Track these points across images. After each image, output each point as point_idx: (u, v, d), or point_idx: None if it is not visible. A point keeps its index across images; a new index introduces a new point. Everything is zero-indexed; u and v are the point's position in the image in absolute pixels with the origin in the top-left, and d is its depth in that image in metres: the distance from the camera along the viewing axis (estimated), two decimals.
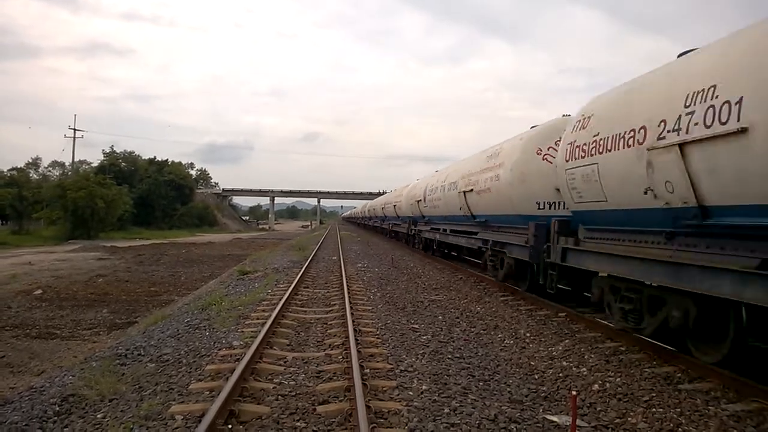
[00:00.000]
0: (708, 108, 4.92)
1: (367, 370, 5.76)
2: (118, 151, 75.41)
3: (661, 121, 5.64)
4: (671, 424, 4.62)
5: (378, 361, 6.25)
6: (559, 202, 9.79)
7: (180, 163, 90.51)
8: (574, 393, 4.55)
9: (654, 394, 5.30)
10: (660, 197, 5.80)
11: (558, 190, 9.02)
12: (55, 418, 4.84)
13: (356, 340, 6.81)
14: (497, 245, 11.98)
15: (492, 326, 8.52)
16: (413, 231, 24.28)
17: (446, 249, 20.06)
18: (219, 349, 6.84)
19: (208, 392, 5.20)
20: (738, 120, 4.57)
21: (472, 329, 8.30)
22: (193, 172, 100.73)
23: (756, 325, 5.08)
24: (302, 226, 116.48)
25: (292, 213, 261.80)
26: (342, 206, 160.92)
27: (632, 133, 6.18)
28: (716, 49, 5.41)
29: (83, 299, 16.00)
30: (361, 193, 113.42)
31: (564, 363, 6.46)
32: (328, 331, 7.88)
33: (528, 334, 7.92)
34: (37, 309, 14.37)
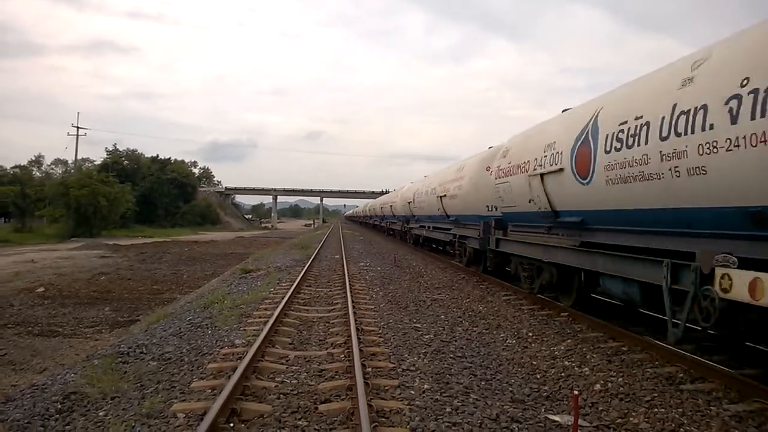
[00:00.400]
0: (552, 154, 8.63)
1: (369, 369, 5.75)
2: (121, 149, 75.66)
3: (534, 158, 9.34)
4: (673, 425, 4.61)
5: (380, 360, 6.25)
6: (495, 207, 12.49)
7: (183, 161, 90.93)
8: (576, 393, 4.54)
9: (656, 394, 5.29)
10: (535, 205, 9.48)
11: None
12: (57, 416, 4.85)
13: (358, 338, 6.81)
14: (462, 238, 15.81)
15: (494, 326, 8.51)
16: (405, 228, 28.24)
17: (430, 243, 23.41)
18: (221, 348, 6.85)
19: (210, 390, 5.20)
20: (559, 164, 8.30)
21: (475, 328, 8.30)
22: (195, 171, 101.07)
23: (589, 281, 8.82)
24: (305, 225, 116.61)
25: (294, 212, 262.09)
26: (344, 205, 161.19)
27: (525, 165, 9.78)
28: (557, 120, 9.54)
29: (85, 297, 16.04)
30: (364, 192, 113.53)
31: (566, 362, 6.45)
32: (331, 330, 7.88)
33: (530, 334, 7.91)
34: (40, 307, 14.41)
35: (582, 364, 6.38)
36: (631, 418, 4.75)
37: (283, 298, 9.79)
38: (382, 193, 76.82)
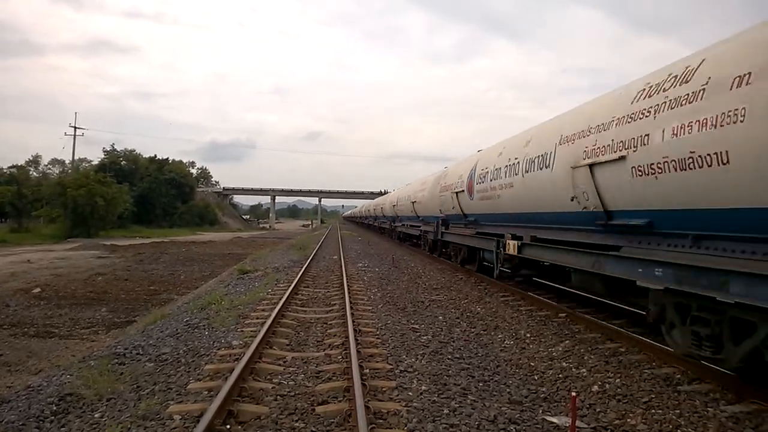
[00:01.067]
0: (460, 181, 13.90)
1: (367, 371, 5.74)
2: (119, 149, 75.49)
3: (452, 184, 14.58)
4: (670, 426, 4.61)
5: (378, 362, 6.23)
6: (441, 210, 17.06)
7: (181, 161, 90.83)
8: (573, 394, 4.53)
9: (653, 396, 5.28)
10: (447, 211, 15.47)
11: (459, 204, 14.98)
12: (53, 417, 4.82)
13: (356, 340, 6.80)
14: (425, 232, 21.38)
15: (492, 327, 8.50)
16: (392, 227, 34.61)
17: (408, 237, 28.47)
18: (218, 349, 6.83)
19: (206, 392, 5.18)
20: (462, 187, 13.73)
21: (472, 329, 8.29)
22: (193, 171, 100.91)
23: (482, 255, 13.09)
24: (303, 226, 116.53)
25: (293, 212, 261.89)
26: (343, 205, 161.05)
27: (451, 185, 14.93)
28: (466, 160, 14.32)
29: (82, 298, 15.99)
30: (362, 193, 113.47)
31: (564, 364, 6.45)
32: (328, 331, 7.86)
33: (528, 335, 7.91)
34: (36, 307, 14.36)
35: (580, 365, 6.37)
36: (628, 420, 4.75)
37: (280, 299, 9.77)
38: (380, 194, 76.86)
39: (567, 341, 7.45)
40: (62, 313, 13.75)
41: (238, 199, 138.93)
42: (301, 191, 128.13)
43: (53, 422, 4.72)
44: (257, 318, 8.64)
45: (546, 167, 8.37)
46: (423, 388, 5.38)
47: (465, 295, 11.60)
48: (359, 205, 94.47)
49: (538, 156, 8.73)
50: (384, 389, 5.27)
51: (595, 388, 5.57)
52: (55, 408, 4.99)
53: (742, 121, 4.39)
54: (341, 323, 8.15)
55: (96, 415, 4.79)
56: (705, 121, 4.79)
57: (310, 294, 11.40)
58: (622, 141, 6.21)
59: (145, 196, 68.46)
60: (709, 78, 4.87)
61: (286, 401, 4.99)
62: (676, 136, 5.17)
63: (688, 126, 5.01)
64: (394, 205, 31.07)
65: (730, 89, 4.56)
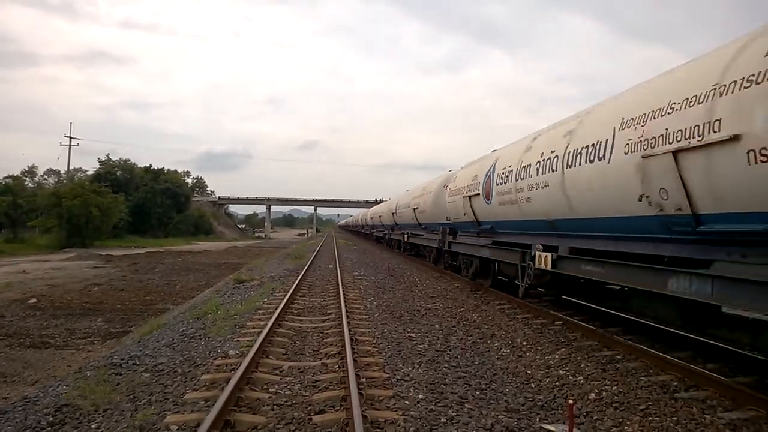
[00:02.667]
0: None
1: (364, 380, 5.74)
2: (114, 159, 75.36)
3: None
4: None
5: (374, 371, 6.23)
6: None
7: (176, 171, 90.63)
8: (570, 402, 4.54)
9: (650, 403, 5.30)
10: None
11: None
12: (49, 428, 4.80)
13: (352, 349, 6.79)
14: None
15: (488, 335, 8.51)
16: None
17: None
18: (215, 359, 6.81)
19: (203, 402, 5.17)
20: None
21: (469, 338, 8.29)
22: (189, 180, 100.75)
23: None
24: (299, 235, 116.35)
25: (288, 221, 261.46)
26: (338, 214, 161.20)
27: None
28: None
29: (78, 308, 15.90)
30: (358, 202, 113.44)
31: (561, 372, 6.46)
32: (325, 340, 7.85)
33: (524, 343, 7.91)
34: (31, 318, 14.28)
35: (576, 372, 6.39)
36: (626, 427, 4.76)
37: (276, 309, 9.75)
38: (376, 202, 76.88)
39: (564, 349, 7.46)
40: (58, 323, 13.67)
41: (233, 208, 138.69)
42: (296, 200, 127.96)
43: None
44: (253, 327, 8.62)
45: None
46: (420, 396, 5.37)
47: (461, 303, 11.60)
48: (355, 213, 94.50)
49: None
50: (381, 398, 5.27)
51: (592, 395, 5.59)
52: (51, 419, 4.97)
53: None
54: (338, 332, 8.14)
55: (93, 426, 4.77)
56: None
57: (307, 303, 11.38)
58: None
59: (141, 205, 68.26)
60: None
61: (283, 411, 4.98)
62: None
63: None
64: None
65: None
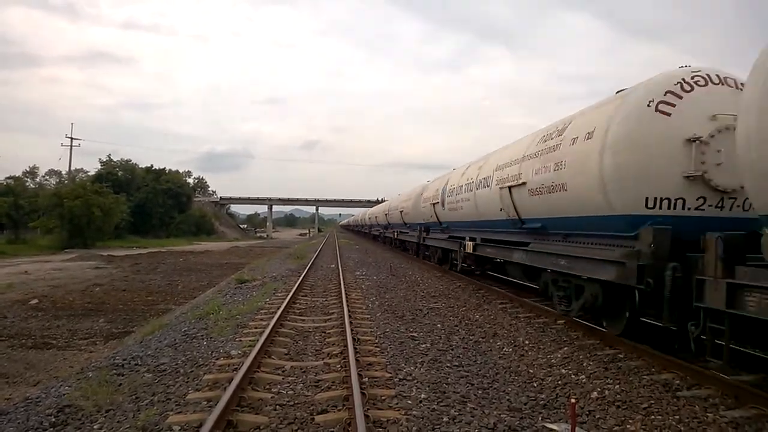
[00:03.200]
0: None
1: (366, 379, 5.74)
2: (116, 160, 75.43)
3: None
4: (670, 431, 4.62)
5: (377, 370, 6.23)
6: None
7: (177, 171, 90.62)
8: (573, 401, 4.54)
9: (653, 401, 5.29)
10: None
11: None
12: (51, 429, 4.80)
13: (355, 348, 6.79)
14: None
15: (491, 334, 8.51)
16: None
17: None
18: (217, 359, 6.82)
19: (205, 402, 5.17)
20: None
21: (471, 337, 8.29)
22: (190, 181, 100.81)
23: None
24: (300, 234, 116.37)
25: (290, 221, 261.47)
26: (340, 214, 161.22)
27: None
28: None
29: (80, 309, 15.92)
30: (359, 201, 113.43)
31: (563, 370, 6.45)
32: (327, 340, 7.86)
33: (527, 342, 7.91)
34: (33, 319, 14.29)
35: (579, 371, 6.38)
36: (628, 426, 4.75)
37: (278, 308, 9.76)
38: (377, 202, 76.86)
39: (566, 348, 7.46)
40: (60, 324, 13.69)
41: (235, 208, 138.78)
42: (298, 200, 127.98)
43: None
44: (256, 327, 8.63)
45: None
46: (422, 396, 5.37)
47: (463, 302, 11.60)
48: (356, 213, 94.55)
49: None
50: (383, 398, 5.27)
51: (595, 394, 5.58)
52: (53, 420, 4.97)
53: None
54: (340, 332, 8.15)
55: (95, 427, 4.77)
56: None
57: (309, 303, 11.39)
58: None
59: (142, 206, 68.32)
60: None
61: (286, 411, 4.98)
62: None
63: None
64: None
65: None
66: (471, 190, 13.10)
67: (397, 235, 29.47)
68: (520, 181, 9.61)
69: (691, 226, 6.00)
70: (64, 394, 5.65)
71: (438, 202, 16.97)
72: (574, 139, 7.77)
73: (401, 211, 24.85)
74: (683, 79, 6.55)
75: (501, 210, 10.67)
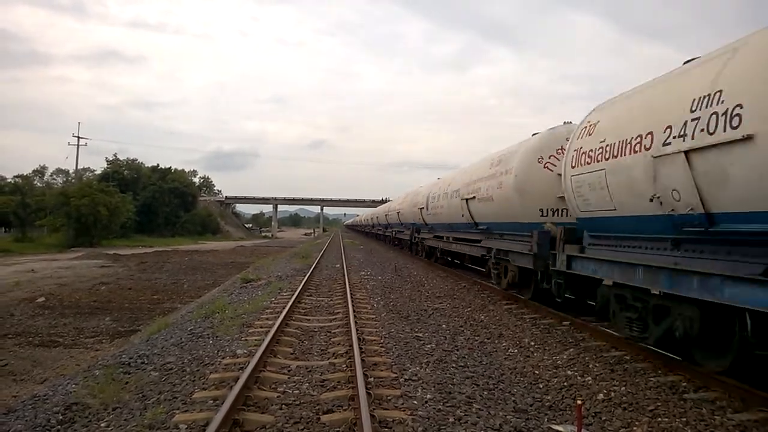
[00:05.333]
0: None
1: (371, 379, 5.74)
2: (122, 159, 75.80)
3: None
4: None
5: (382, 370, 6.23)
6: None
7: (183, 170, 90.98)
8: (579, 402, 4.53)
9: (659, 404, 5.27)
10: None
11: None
12: (59, 427, 4.84)
13: (360, 348, 6.79)
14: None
15: (496, 335, 8.50)
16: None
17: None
18: (223, 358, 6.83)
19: (212, 401, 5.18)
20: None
21: (476, 338, 8.28)
22: (196, 180, 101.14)
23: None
24: (305, 234, 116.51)
25: (294, 221, 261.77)
26: (345, 214, 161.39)
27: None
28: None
29: (86, 307, 16.01)
30: (364, 201, 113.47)
31: (569, 372, 6.44)
32: (332, 340, 7.87)
33: (532, 343, 7.90)
34: (40, 317, 14.38)
35: (585, 373, 6.36)
36: (634, 428, 4.74)
37: (284, 308, 9.77)
38: (382, 202, 76.88)
39: (571, 349, 7.44)
40: (66, 322, 13.77)
41: (240, 207, 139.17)
42: (303, 200, 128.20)
43: (60, 431, 4.73)
44: (261, 327, 8.65)
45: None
46: (428, 396, 5.37)
47: (468, 303, 11.59)
48: (361, 213, 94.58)
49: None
50: (389, 398, 5.27)
51: (601, 396, 5.57)
52: (61, 417, 5.01)
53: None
54: (345, 332, 8.15)
55: (102, 425, 4.80)
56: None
57: (314, 302, 11.40)
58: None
59: (148, 205, 68.61)
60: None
61: (292, 410, 4.99)
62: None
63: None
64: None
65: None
66: (446, 199, 16.64)
67: (395, 234, 33.86)
68: (476, 194, 13.19)
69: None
70: (71, 392, 5.69)
71: (424, 207, 19.78)
72: (503, 172, 11.42)
73: (398, 213, 27.87)
74: (584, 125, 7.97)
75: (463, 216, 14.61)
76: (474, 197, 13.42)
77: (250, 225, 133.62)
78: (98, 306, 16.25)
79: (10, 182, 65.59)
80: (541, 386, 5.94)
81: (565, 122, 10.81)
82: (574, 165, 7.86)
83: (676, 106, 5.58)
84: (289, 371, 6.28)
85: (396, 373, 6.11)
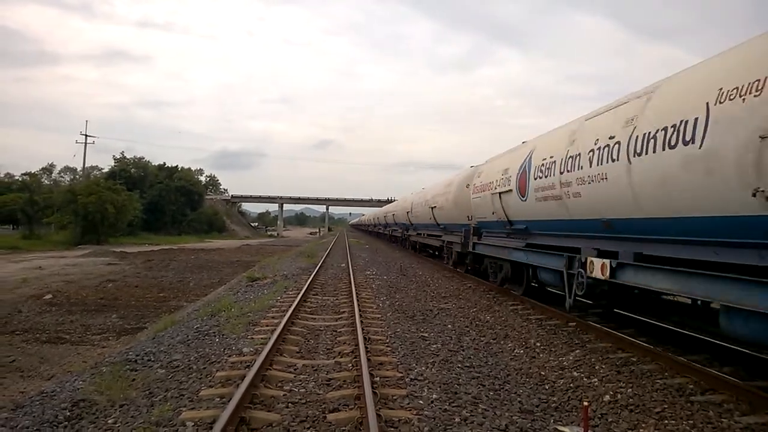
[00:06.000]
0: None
1: (377, 379, 5.75)
2: (129, 157, 76.13)
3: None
4: None
5: (388, 370, 6.23)
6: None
7: (189, 169, 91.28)
8: (585, 403, 4.52)
9: (666, 406, 5.25)
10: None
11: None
12: (66, 423, 4.86)
13: (366, 348, 6.80)
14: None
15: (502, 335, 8.48)
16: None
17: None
18: (229, 356, 6.86)
19: (218, 399, 5.21)
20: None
21: (482, 338, 8.27)
22: (202, 179, 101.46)
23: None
24: (310, 233, 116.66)
25: (300, 220, 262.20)
26: (350, 213, 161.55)
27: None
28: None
29: (93, 304, 16.10)
30: (370, 201, 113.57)
31: (575, 373, 6.42)
32: (338, 339, 7.87)
33: (538, 344, 7.88)
34: (47, 313, 14.48)
35: (591, 374, 6.35)
36: (641, 430, 4.73)
37: (290, 307, 9.80)
38: (387, 202, 76.90)
39: (577, 350, 7.42)
40: (73, 319, 13.85)
41: (246, 206, 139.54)
42: (308, 199, 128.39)
43: (67, 428, 4.76)
44: (267, 325, 8.67)
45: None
46: (434, 396, 5.37)
47: (474, 303, 11.58)
48: (366, 213, 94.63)
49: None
50: (395, 397, 5.27)
51: (607, 397, 5.55)
52: (68, 414, 5.03)
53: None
54: (351, 331, 8.16)
55: (109, 421, 4.82)
56: None
57: (319, 302, 11.42)
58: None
59: (155, 203, 68.88)
60: None
61: (298, 409, 5.00)
62: None
63: None
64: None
65: None
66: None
67: (392, 232, 38.24)
68: (436, 204, 18.65)
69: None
70: (78, 389, 5.72)
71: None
72: (448, 192, 16.80)
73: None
74: (478, 171, 14.66)
75: (430, 219, 20.93)
76: (436, 206, 20.25)
77: (256, 224, 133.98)
78: (105, 303, 16.34)
79: (18, 180, 66.03)
80: (547, 387, 5.93)
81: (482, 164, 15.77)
82: (473, 192, 14.50)
83: (499, 170, 12.21)
84: (295, 370, 6.30)
85: (402, 373, 6.11)
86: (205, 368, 6.38)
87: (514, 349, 7.63)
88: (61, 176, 78.64)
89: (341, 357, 6.83)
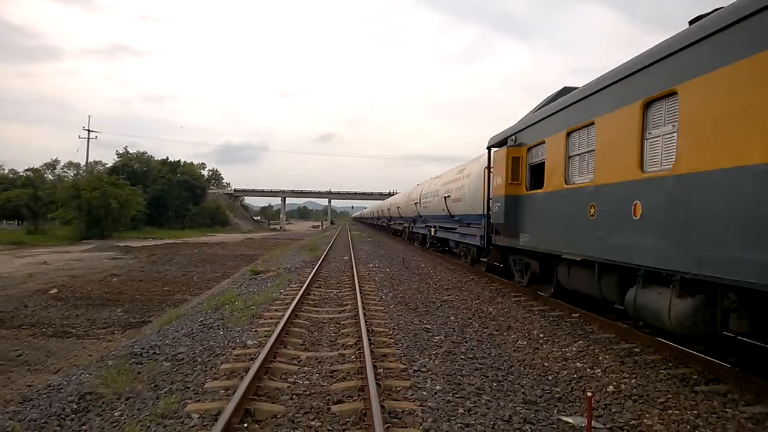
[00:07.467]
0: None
1: (381, 370, 5.77)
2: (132, 152, 76.23)
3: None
4: (688, 426, 4.59)
5: (391, 361, 6.26)
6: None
7: (192, 163, 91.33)
8: (589, 394, 4.53)
9: (670, 396, 5.26)
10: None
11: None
12: (73, 415, 4.90)
13: (369, 340, 6.82)
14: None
15: (505, 327, 8.50)
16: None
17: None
18: (233, 349, 6.89)
19: (223, 391, 5.24)
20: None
21: (485, 330, 8.29)
22: (204, 173, 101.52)
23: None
24: (313, 227, 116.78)
25: (303, 213, 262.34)
26: (353, 206, 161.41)
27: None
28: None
29: (98, 298, 16.18)
30: (372, 194, 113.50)
31: (578, 364, 6.43)
32: (341, 331, 7.90)
33: (541, 335, 7.89)
34: (53, 308, 14.55)
35: (594, 365, 6.36)
36: (645, 420, 4.73)
37: (293, 299, 9.83)
38: (389, 194, 76.90)
39: (581, 341, 7.43)
40: (79, 313, 13.92)
41: (248, 200, 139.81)
42: (311, 192, 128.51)
43: (74, 420, 4.80)
44: (271, 318, 8.70)
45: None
46: (437, 387, 5.39)
47: (476, 295, 11.59)
48: (369, 206, 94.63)
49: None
50: (398, 389, 5.30)
51: (611, 388, 5.56)
52: (75, 406, 5.07)
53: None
54: (354, 323, 8.19)
55: (116, 414, 4.86)
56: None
57: (323, 294, 11.45)
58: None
59: (158, 198, 69.03)
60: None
61: (302, 400, 5.03)
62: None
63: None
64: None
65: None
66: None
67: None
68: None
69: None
70: (84, 382, 5.75)
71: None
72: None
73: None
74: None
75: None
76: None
77: (259, 217, 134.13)
78: (110, 297, 16.41)
79: (22, 175, 66.24)
80: (550, 378, 5.94)
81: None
82: (421, 199, 23.55)
83: (433, 189, 21.86)
84: (299, 362, 6.33)
85: (405, 365, 6.14)
86: (209, 361, 6.41)
87: (517, 341, 7.64)
88: (65, 172, 78.82)
89: (345, 349, 6.86)
